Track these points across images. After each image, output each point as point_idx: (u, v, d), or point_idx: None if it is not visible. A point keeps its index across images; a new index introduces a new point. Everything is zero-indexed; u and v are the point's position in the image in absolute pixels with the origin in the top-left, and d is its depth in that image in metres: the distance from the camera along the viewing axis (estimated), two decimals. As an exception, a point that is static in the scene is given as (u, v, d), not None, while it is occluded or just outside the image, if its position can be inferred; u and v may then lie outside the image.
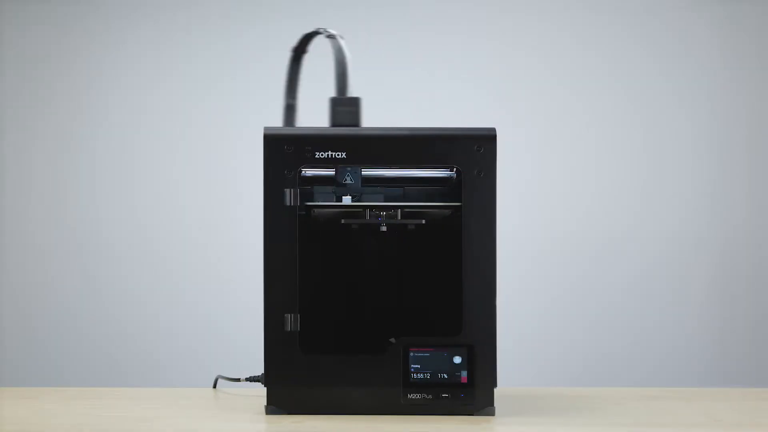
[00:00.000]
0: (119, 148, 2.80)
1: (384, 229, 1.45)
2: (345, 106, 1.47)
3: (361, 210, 1.45)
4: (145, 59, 2.80)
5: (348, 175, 1.43)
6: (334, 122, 1.46)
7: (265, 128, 1.42)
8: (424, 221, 1.45)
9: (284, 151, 1.41)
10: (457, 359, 1.41)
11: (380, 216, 1.45)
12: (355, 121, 1.46)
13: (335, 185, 1.43)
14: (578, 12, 2.78)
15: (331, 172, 1.43)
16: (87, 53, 2.80)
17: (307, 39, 1.55)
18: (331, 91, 1.47)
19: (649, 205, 2.77)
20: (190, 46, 2.79)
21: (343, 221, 1.45)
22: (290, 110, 1.56)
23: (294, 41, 1.56)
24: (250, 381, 1.58)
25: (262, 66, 2.74)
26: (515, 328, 2.70)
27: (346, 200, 1.44)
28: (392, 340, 1.42)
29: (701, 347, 2.77)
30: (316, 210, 1.44)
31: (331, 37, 1.48)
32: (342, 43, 1.47)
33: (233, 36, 2.79)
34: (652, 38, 2.78)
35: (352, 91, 1.47)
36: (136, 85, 2.80)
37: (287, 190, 1.41)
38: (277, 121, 1.59)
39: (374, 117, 1.60)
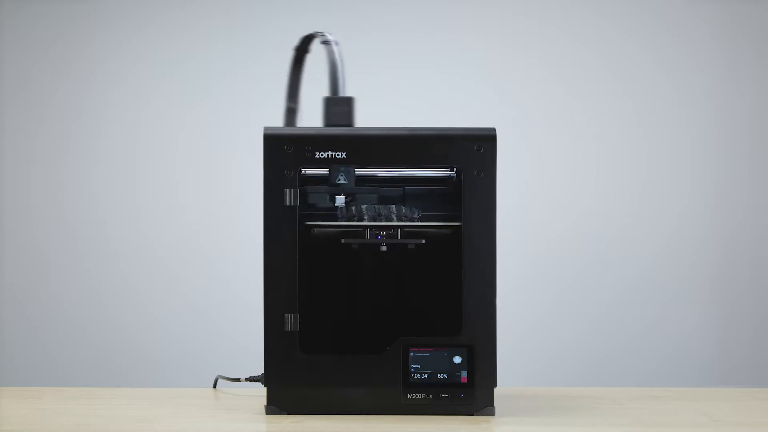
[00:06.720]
0: (119, 147, 2.80)
1: (384, 248, 1.45)
2: (338, 106, 1.46)
3: (361, 230, 1.44)
4: (145, 59, 2.80)
5: (341, 175, 1.43)
6: (328, 122, 1.46)
7: (265, 128, 1.42)
8: (424, 241, 1.44)
9: (284, 151, 1.41)
10: (457, 359, 1.41)
11: (380, 235, 1.44)
12: (348, 121, 1.46)
13: (328, 185, 1.43)
14: (578, 12, 2.78)
15: (326, 171, 1.43)
16: (87, 53, 2.80)
17: (308, 39, 1.55)
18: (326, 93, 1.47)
19: (649, 205, 2.77)
20: (190, 46, 2.79)
21: (343, 241, 1.44)
22: (291, 114, 1.56)
23: (294, 40, 1.55)
24: (250, 381, 1.58)
25: (262, 66, 2.74)
26: (515, 328, 2.70)
27: (340, 200, 1.44)
28: (388, 348, 1.41)
29: (701, 347, 2.77)
30: (315, 229, 1.43)
31: (326, 43, 1.48)
32: (336, 48, 1.47)
33: (233, 36, 2.79)
34: (652, 38, 2.77)
35: (349, 92, 1.47)
36: (135, 85, 2.79)
37: (287, 190, 1.41)
38: (277, 121, 1.58)
39: (374, 117, 1.60)
